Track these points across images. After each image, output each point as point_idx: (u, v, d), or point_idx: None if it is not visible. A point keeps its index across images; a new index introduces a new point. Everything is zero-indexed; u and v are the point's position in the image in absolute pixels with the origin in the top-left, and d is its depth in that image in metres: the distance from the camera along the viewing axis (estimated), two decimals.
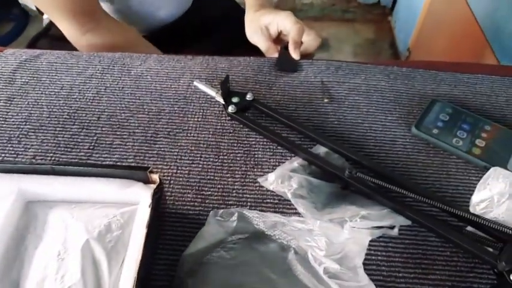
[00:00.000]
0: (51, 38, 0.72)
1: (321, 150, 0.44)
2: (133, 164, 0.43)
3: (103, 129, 0.47)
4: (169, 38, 0.77)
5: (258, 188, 0.41)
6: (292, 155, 0.44)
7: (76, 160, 0.43)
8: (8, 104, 0.49)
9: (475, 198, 0.36)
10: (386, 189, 0.36)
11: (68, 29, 0.62)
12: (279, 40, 0.60)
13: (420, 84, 0.53)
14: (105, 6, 0.67)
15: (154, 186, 0.34)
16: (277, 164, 0.44)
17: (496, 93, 0.52)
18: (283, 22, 0.56)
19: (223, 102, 0.48)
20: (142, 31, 0.76)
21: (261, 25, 0.59)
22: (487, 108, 0.50)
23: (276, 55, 0.57)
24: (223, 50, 0.64)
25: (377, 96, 0.51)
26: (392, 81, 0.53)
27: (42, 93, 0.50)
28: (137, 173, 0.34)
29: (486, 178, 0.35)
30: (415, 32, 1.52)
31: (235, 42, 0.70)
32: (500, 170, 0.36)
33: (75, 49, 0.64)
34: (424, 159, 0.44)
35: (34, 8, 1.88)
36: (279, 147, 0.45)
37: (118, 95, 0.51)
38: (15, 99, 0.50)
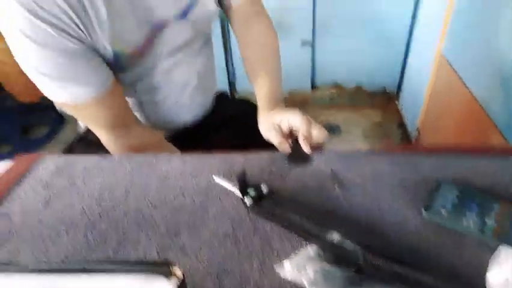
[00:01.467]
0: (87, 144, 0.80)
1: (334, 236, 0.46)
2: (157, 258, 0.46)
3: (130, 225, 0.50)
4: (190, 136, 0.84)
5: (276, 276, 0.43)
6: (308, 242, 0.46)
7: (105, 256, 0.46)
8: (45, 207, 0.54)
9: (491, 279, 0.36)
10: (399, 272, 0.37)
11: (103, 135, 0.70)
12: (290, 135, 0.66)
13: (426, 168, 0.56)
14: (133, 106, 0.76)
15: (177, 281, 0.36)
16: (293, 251, 0.45)
17: (502, 173, 0.54)
18: (293, 119, 0.61)
19: (240, 195, 0.52)
20: (166, 131, 0.84)
21: (273, 123, 0.65)
22: (495, 188, 0.52)
23: (288, 149, 0.62)
24: (240, 145, 0.69)
25: (385, 182, 0.54)
26: (399, 166, 0.56)
27: (76, 195, 0.56)
28: (161, 268, 0.37)
29: (497, 257, 0.36)
30: (422, 114, 1.60)
31: (252, 137, 0.77)
32: (509, 249, 0.37)
33: (108, 152, 0.71)
34: (436, 240, 0.46)
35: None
36: (294, 235, 0.47)
37: (144, 193, 0.55)
38: (51, 202, 0.55)
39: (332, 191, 0.53)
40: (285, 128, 0.65)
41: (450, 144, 0.62)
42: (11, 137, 1.92)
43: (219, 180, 0.55)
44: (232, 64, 1.94)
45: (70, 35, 0.56)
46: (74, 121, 2.07)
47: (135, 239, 0.49)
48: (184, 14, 0.68)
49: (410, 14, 1.69)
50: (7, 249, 0.48)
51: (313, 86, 2.01)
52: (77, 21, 0.56)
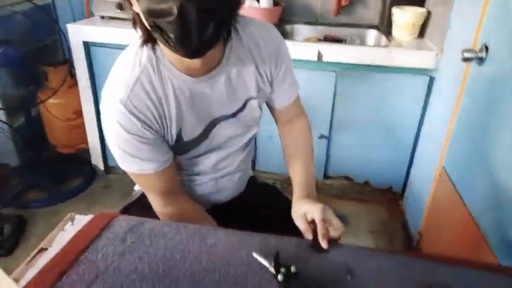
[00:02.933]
0: (142, 207, 0.96)
1: None
2: None
3: (187, 284, 0.64)
4: (224, 212, 1.00)
5: None
6: None
7: None
8: (120, 258, 0.69)
9: None
10: None
11: (154, 200, 0.88)
12: (313, 224, 0.81)
13: (421, 272, 0.70)
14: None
15: None
16: None
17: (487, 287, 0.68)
18: (314, 214, 0.77)
19: (274, 272, 0.66)
20: (203, 205, 1.00)
21: (301, 212, 0.82)
22: None
23: (311, 237, 0.78)
24: (269, 228, 0.84)
25: (388, 279, 0.68)
26: (400, 267, 0.71)
27: (145, 252, 0.71)
28: None
29: None
30: (423, 220, 1.72)
31: (277, 222, 0.92)
32: None
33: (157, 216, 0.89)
34: None
35: (102, 168, 2.26)
36: None
37: (197, 259, 0.70)
38: (125, 255, 0.70)
39: (344, 280, 0.68)
40: (310, 219, 0.80)
41: (445, 254, 0.76)
42: (47, 185, 2.08)
43: (257, 257, 0.69)
44: (256, 144, 2.15)
45: (149, 127, 0.77)
46: (103, 178, 2.28)
47: None
48: (234, 115, 0.88)
49: (417, 123, 1.91)
50: None
51: (326, 175, 2.19)
52: (157, 117, 0.78)
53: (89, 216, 0.80)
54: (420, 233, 1.74)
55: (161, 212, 0.89)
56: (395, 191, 2.14)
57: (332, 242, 0.76)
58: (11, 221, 1.82)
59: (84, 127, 2.18)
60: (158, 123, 0.78)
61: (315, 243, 0.75)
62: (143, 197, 0.95)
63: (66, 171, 2.23)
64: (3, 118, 1.99)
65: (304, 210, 0.81)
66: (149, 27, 0.66)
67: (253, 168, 2.23)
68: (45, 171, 2.11)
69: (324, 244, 0.72)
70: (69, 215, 0.81)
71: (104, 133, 0.79)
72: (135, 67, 0.74)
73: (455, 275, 0.70)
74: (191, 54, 0.67)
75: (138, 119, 0.74)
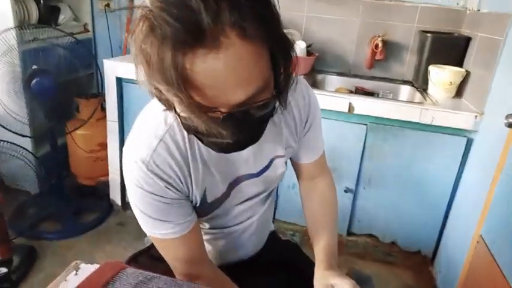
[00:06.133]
0: (151, 257, 0.89)
1: None
2: None
3: None
4: (243, 271, 0.92)
5: None
6: None
7: None
8: None
9: None
10: None
11: (178, 268, 0.78)
12: None
13: None
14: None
15: None
16: None
17: None
18: None
19: None
20: (222, 262, 0.92)
21: (328, 284, 0.73)
22: None
23: None
24: None
25: None
26: None
27: None
28: None
29: None
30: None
31: (296, 284, 0.83)
32: None
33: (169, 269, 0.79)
34: None
35: (119, 203, 2.23)
36: None
37: None
38: None
39: None
40: None
41: None
42: (63, 217, 2.05)
43: None
44: (277, 193, 2.07)
45: (173, 186, 0.70)
46: (120, 214, 2.23)
47: None
48: (258, 174, 0.81)
49: (451, 185, 1.79)
50: None
51: (349, 232, 2.06)
52: (181, 178, 0.71)
53: (95, 266, 0.73)
54: None
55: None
56: (425, 255, 1.98)
57: None
58: (22, 253, 1.77)
59: (107, 160, 2.18)
60: (182, 183, 0.72)
61: None
62: (153, 246, 0.88)
63: (83, 203, 2.20)
64: (29, 146, 2.01)
65: (332, 283, 0.72)
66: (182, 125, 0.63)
67: (273, 218, 2.14)
68: (63, 201, 2.09)
69: None
70: (74, 262, 0.75)
71: (127, 192, 0.73)
72: (160, 125, 0.69)
73: None
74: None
75: (161, 178, 0.68)
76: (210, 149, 0.71)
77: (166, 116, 0.69)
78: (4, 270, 1.65)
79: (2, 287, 1.62)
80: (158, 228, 0.72)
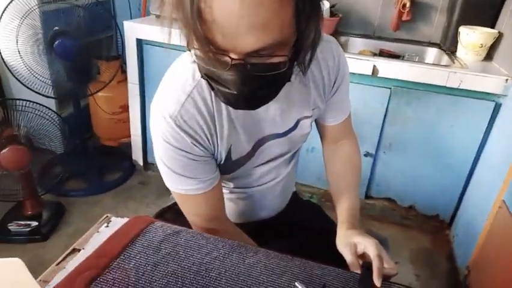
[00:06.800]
0: (176, 213, 0.92)
1: None
2: None
3: None
4: (265, 229, 0.94)
5: None
6: None
7: None
8: (153, 270, 0.65)
9: None
10: None
11: (197, 222, 0.81)
12: (362, 257, 0.73)
13: None
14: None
15: None
16: None
17: None
18: (369, 248, 0.70)
19: None
20: (244, 221, 0.94)
21: (350, 242, 0.74)
22: None
23: (358, 270, 0.70)
24: (310, 251, 0.77)
25: None
26: None
27: (178, 266, 0.66)
28: None
29: None
30: (475, 252, 1.58)
31: (318, 244, 0.85)
32: None
33: None
34: None
35: (141, 164, 2.28)
36: None
37: (234, 280, 0.64)
38: (158, 266, 0.65)
39: None
40: (360, 251, 0.72)
41: None
42: (87, 175, 2.12)
43: (300, 287, 0.63)
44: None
45: (199, 143, 0.71)
46: (142, 174, 2.28)
47: None
48: (284, 134, 0.81)
49: (475, 151, 1.76)
50: None
51: (368, 195, 2.07)
52: (207, 135, 0.72)
53: (125, 219, 0.77)
54: (468, 268, 1.60)
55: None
56: (442, 219, 1.99)
57: (384, 279, 0.68)
58: (50, 208, 1.86)
59: (128, 122, 2.21)
60: (208, 139, 0.72)
61: (364, 280, 0.67)
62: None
63: (107, 163, 2.27)
64: (54, 107, 2.05)
65: (354, 241, 0.73)
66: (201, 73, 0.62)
67: None
68: (87, 161, 2.15)
69: (378, 282, 0.64)
70: (105, 216, 0.78)
71: (153, 146, 0.74)
72: (188, 81, 0.69)
73: None
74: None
75: (188, 134, 0.69)
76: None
77: (194, 71, 0.69)
78: (35, 223, 1.74)
79: (33, 239, 1.71)
80: (181, 183, 0.74)
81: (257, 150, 0.80)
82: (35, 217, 1.77)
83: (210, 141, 0.73)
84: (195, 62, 0.61)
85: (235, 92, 0.57)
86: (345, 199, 0.86)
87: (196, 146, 0.70)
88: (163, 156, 0.71)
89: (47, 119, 1.77)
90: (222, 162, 0.77)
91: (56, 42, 1.75)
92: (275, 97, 0.65)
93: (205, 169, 0.74)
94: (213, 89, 0.63)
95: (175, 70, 0.72)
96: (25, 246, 1.69)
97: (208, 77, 0.60)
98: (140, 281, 0.62)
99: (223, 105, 0.71)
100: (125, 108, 2.21)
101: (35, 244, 1.71)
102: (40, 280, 0.61)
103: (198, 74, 0.67)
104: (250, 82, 0.56)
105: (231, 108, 0.71)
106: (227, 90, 0.58)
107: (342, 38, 2.15)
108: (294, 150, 0.89)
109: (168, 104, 0.68)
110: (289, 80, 0.63)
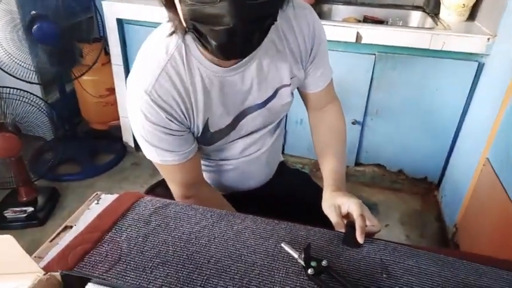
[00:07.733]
0: (167, 187, 0.94)
1: None
2: None
3: (211, 271, 0.62)
4: (253, 199, 0.97)
5: None
6: None
7: None
8: (144, 240, 0.67)
9: None
10: None
11: (176, 190, 0.85)
12: (347, 217, 0.76)
13: (464, 274, 0.64)
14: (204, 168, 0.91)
15: None
16: None
17: None
18: (353, 207, 0.72)
19: (304, 265, 0.62)
20: (231, 191, 0.97)
21: (335, 203, 0.76)
22: None
23: (343, 230, 0.73)
24: (298, 217, 0.80)
25: (427, 279, 0.63)
26: (440, 267, 0.65)
27: (169, 235, 0.68)
28: None
29: None
30: (461, 212, 1.64)
31: (306, 210, 0.88)
32: None
33: None
34: None
35: (133, 145, 2.29)
36: None
37: (223, 246, 0.67)
38: (149, 237, 0.68)
39: (380, 278, 0.63)
40: (344, 211, 0.75)
41: (486, 255, 0.70)
42: (80, 160, 2.13)
43: (286, 248, 0.65)
44: (285, 127, 2.10)
45: (175, 118, 0.73)
46: (134, 155, 2.29)
47: (215, 284, 0.60)
48: (264, 104, 0.82)
49: (460, 112, 1.79)
50: (117, 271, 0.61)
51: (357, 162, 2.11)
52: (183, 109, 0.73)
53: (115, 196, 0.79)
54: (456, 226, 1.66)
55: (182, 201, 0.86)
56: (431, 181, 2.04)
57: (367, 236, 0.71)
58: (45, 193, 1.87)
59: (116, 104, 2.20)
60: (184, 114, 0.74)
61: (348, 238, 0.70)
62: None
63: (98, 146, 2.27)
64: (39, 93, 2.03)
65: (339, 202, 0.76)
66: (185, 27, 0.62)
67: (282, 152, 2.18)
68: (78, 145, 2.16)
69: (361, 239, 0.67)
70: (95, 193, 0.80)
71: (130, 120, 0.76)
72: (161, 55, 0.69)
73: (499, 277, 0.63)
74: (231, 59, 0.67)
75: (163, 109, 0.70)
76: (212, 79, 0.72)
77: (168, 45, 0.69)
78: (31, 209, 1.76)
79: (31, 224, 1.74)
80: (158, 155, 0.77)
81: (238, 123, 0.81)
82: (31, 203, 1.78)
83: (186, 115, 0.74)
84: (174, 32, 0.63)
85: (230, 25, 0.56)
86: (330, 163, 0.89)
87: (171, 121, 0.72)
88: (140, 130, 0.73)
89: (33, 106, 1.76)
90: (199, 134, 0.79)
91: (35, 27, 1.72)
92: (261, 43, 0.65)
93: (180, 143, 0.76)
94: (201, 36, 0.61)
95: (148, 46, 0.73)
96: (23, 231, 1.72)
97: (197, 21, 0.59)
98: (132, 252, 0.64)
99: (197, 77, 0.72)
100: (112, 90, 2.19)
101: (33, 229, 1.74)
102: (35, 256, 0.64)
103: (171, 48, 0.68)
104: (243, 11, 0.55)
105: (206, 80, 0.72)
106: (220, 27, 0.57)
107: (325, 7, 2.13)
108: (276, 120, 0.91)
109: (143, 79, 0.69)
110: (275, 20, 0.64)
